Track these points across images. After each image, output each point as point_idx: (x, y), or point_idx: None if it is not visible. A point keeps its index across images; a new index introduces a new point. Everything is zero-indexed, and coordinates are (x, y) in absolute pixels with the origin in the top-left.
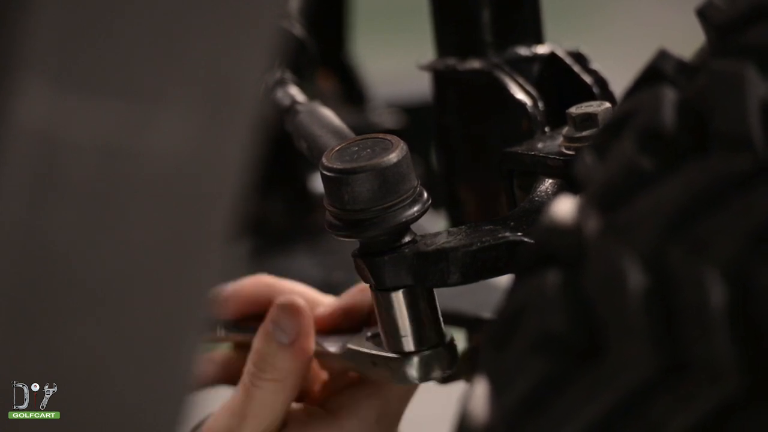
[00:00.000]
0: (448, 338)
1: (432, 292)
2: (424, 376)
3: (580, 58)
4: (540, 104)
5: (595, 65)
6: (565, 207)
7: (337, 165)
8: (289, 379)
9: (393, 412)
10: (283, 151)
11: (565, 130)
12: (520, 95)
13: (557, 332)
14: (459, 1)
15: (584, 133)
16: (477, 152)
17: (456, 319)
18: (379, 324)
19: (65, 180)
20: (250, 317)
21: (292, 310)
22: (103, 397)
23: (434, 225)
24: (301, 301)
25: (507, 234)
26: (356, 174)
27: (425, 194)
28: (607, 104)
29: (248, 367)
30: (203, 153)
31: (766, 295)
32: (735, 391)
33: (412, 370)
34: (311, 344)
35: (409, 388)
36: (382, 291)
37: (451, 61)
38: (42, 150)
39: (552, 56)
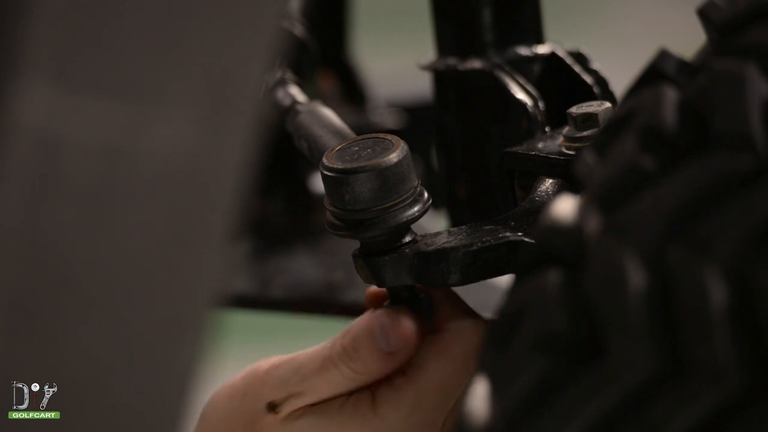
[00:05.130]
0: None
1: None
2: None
3: (580, 57)
4: (540, 104)
5: (595, 65)
6: (565, 207)
7: (338, 165)
8: (368, 376)
9: (428, 407)
10: (283, 151)
11: (566, 129)
12: (520, 95)
13: (558, 332)
14: (459, 1)
15: (585, 133)
16: (477, 152)
17: None
18: None
19: (65, 180)
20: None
21: (403, 327)
22: (103, 397)
23: (434, 225)
24: (410, 320)
25: (507, 234)
26: (357, 174)
27: (425, 194)
28: (608, 104)
29: (338, 343)
30: (203, 153)
31: (766, 295)
32: (735, 391)
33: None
34: (405, 360)
35: (450, 386)
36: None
37: (452, 61)
38: (42, 150)
39: (552, 56)
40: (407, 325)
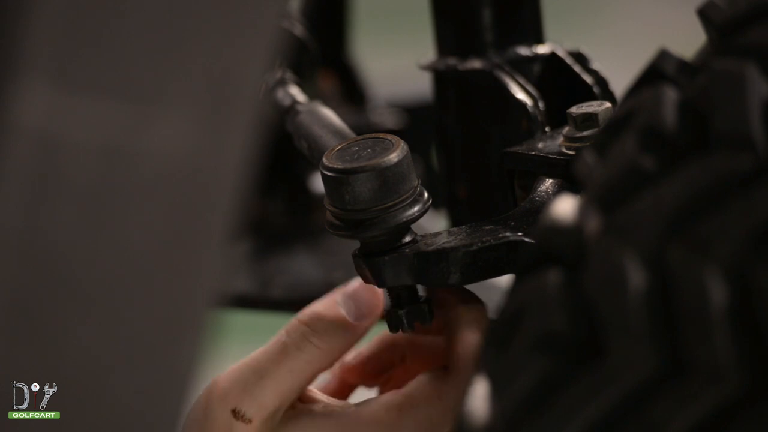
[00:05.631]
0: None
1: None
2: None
3: (580, 57)
4: (540, 104)
5: (595, 65)
6: (565, 207)
7: (338, 165)
8: (332, 353)
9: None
10: (283, 151)
11: (566, 129)
12: (520, 95)
13: (558, 332)
14: (459, 1)
15: (585, 133)
16: (477, 152)
17: None
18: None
19: (65, 180)
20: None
21: (374, 295)
22: (103, 397)
23: (434, 225)
24: (379, 293)
25: (508, 234)
26: (357, 174)
27: (425, 194)
28: (608, 104)
29: (294, 325)
30: (203, 153)
31: (766, 295)
32: (735, 391)
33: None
34: (367, 329)
35: (444, 405)
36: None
37: (452, 61)
38: (42, 150)
39: (552, 56)
40: (374, 292)
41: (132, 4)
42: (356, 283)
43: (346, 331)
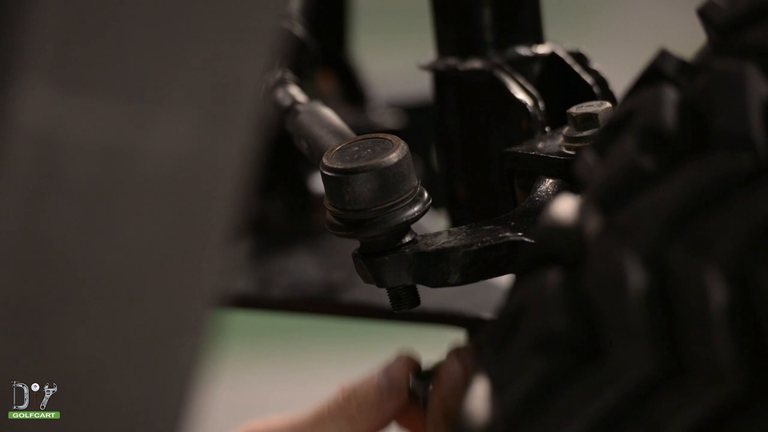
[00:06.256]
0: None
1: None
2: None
3: (580, 57)
4: (540, 104)
5: (595, 65)
6: (565, 207)
7: (338, 165)
8: (363, 426)
9: None
10: (283, 151)
11: (566, 129)
12: (520, 95)
13: (558, 332)
14: (459, 1)
15: (585, 133)
16: (477, 152)
17: (456, 319)
18: None
19: (65, 180)
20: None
21: (398, 362)
22: (103, 397)
23: (434, 225)
24: (407, 362)
25: (507, 234)
26: (357, 174)
27: (425, 194)
28: (608, 104)
29: (335, 396)
30: (203, 153)
31: (766, 295)
32: (735, 391)
33: None
34: (397, 406)
35: None
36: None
37: (452, 61)
38: (42, 150)
39: (552, 56)
40: (401, 363)
41: (132, 4)
42: (393, 360)
43: (377, 409)
